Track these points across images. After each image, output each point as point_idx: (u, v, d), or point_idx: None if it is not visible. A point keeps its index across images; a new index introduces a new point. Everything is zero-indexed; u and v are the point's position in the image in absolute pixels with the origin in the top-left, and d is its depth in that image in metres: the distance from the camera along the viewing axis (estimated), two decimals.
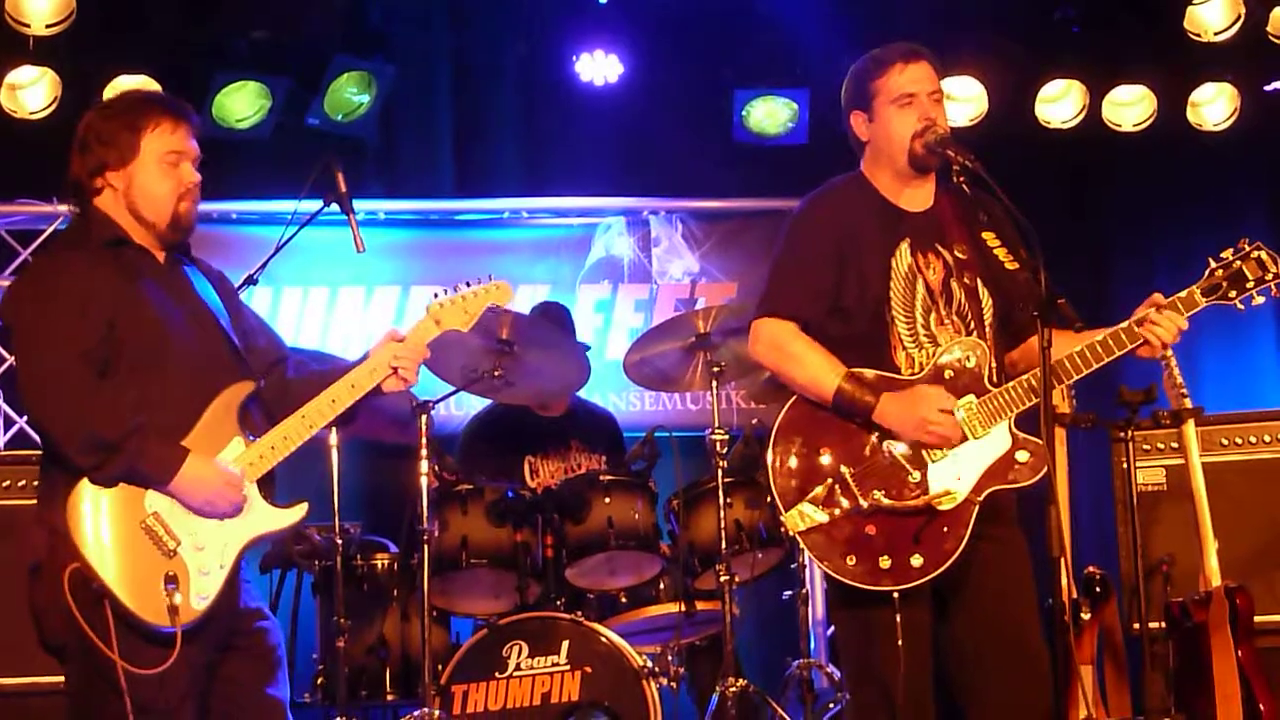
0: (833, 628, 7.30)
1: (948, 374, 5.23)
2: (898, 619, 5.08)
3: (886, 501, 5.13)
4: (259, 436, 4.96)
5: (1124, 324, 5.23)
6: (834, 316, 5.32)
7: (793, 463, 5.22)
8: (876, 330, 5.28)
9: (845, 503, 5.15)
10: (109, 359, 4.77)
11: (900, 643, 5.07)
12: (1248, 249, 5.26)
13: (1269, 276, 5.25)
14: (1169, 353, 6.65)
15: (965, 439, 5.17)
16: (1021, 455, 5.18)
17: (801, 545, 5.25)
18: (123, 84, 8.54)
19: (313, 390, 5.02)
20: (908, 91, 5.34)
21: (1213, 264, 5.28)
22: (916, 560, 5.11)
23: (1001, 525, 5.26)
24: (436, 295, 5.23)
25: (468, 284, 5.27)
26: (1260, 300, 5.27)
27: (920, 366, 5.26)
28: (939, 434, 5.15)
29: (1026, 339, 5.45)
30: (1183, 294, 5.25)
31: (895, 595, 5.09)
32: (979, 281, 5.38)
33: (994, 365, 5.28)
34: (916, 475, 5.16)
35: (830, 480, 5.17)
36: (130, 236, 4.95)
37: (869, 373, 5.22)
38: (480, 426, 8.35)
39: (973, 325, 5.33)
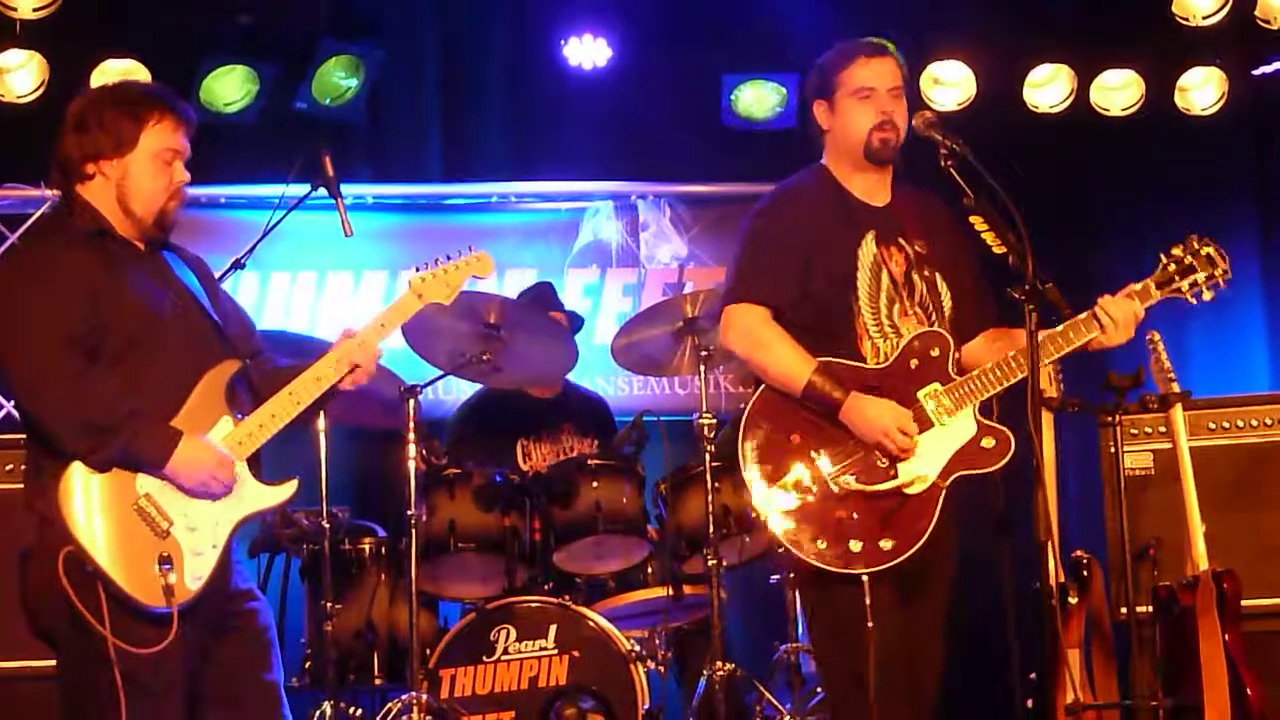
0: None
1: (912, 363, 5.36)
2: (867, 602, 5.14)
3: (857, 485, 5.23)
4: (246, 415, 4.96)
5: (1081, 315, 5.37)
6: (801, 305, 5.41)
7: (763, 449, 5.32)
8: (843, 320, 5.39)
9: (815, 487, 5.22)
10: (96, 344, 4.77)
11: (870, 624, 5.13)
12: (1198, 245, 5.53)
13: (1218, 273, 5.53)
14: (1156, 336, 6.69)
15: (931, 425, 5.27)
16: (987, 442, 5.31)
17: (773, 530, 5.29)
18: (110, 68, 8.54)
19: (285, 380, 5.03)
20: (868, 85, 5.49)
21: (1164, 259, 5.54)
22: (886, 544, 5.20)
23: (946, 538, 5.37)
24: (418, 269, 5.26)
25: (449, 256, 5.30)
26: (1209, 296, 5.53)
27: (885, 356, 5.39)
28: (896, 448, 5.22)
29: (972, 338, 5.58)
30: (1138, 286, 5.47)
31: (864, 578, 5.15)
32: (938, 275, 5.51)
33: (959, 357, 5.37)
34: (885, 460, 5.25)
35: (800, 465, 5.22)
36: (113, 227, 4.95)
37: (838, 363, 5.32)
38: (474, 409, 8.36)
39: (934, 316, 5.48)
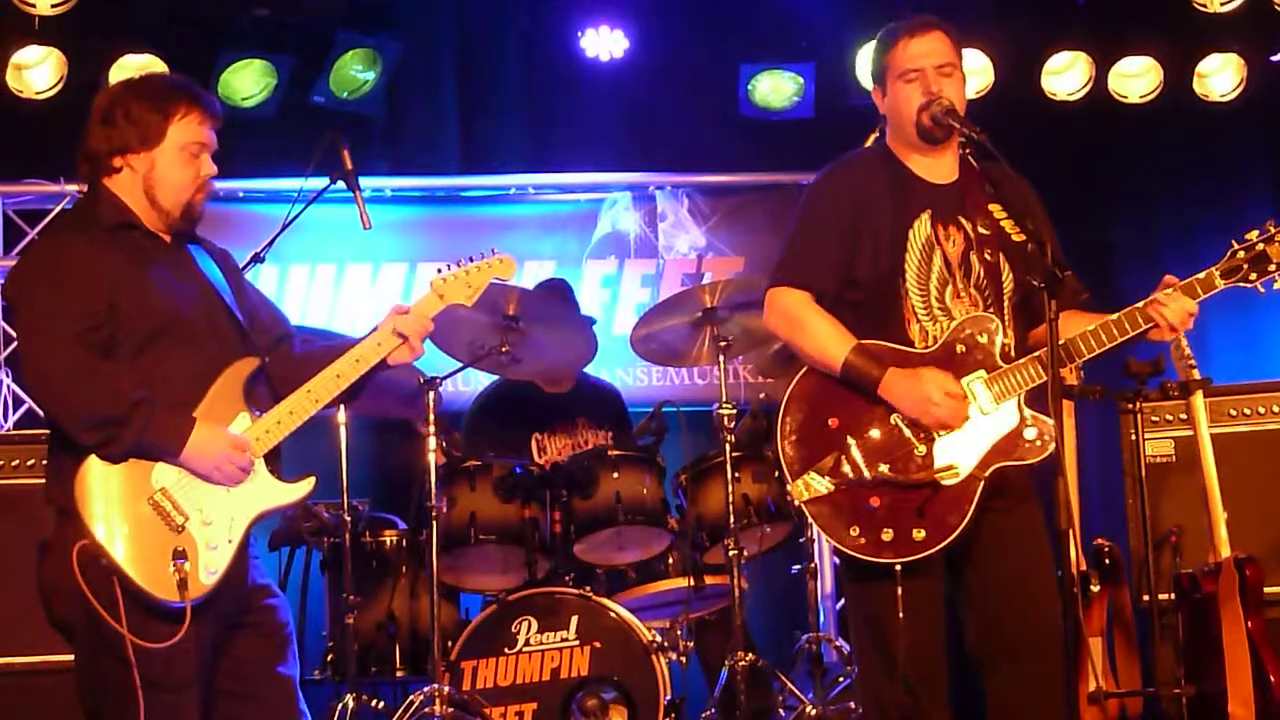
0: (843, 600, 7.31)
1: (959, 349, 5.22)
2: (899, 591, 5.10)
3: (891, 474, 5.14)
4: (264, 412, 4.96)
5: (1137, 305, 5.21)
6: (849, 287, 5.33)
7: (800, 432, 5.24)
8: (890, 303, 5.27)
9: (850, 474, 5.16)
10: (113, 339, 4.76)
11: (902, 615, 5.09)
12: (1273, 231, 5.22)
13: None
14: None
15: (970, 417, 5.18)
16: (1029, 433, 5.17)
17: (807, 515, 5.25)
18: (129, 63, 8.54)
19: (318, 365, 5.01)
20: (914, 67, 5.34)
21: (1235, 245, 5.23)
22: (919, 534, 5.11)
23: (1012, 499, 5.25)
24: (440, 270, 5.23)
25: (471, 258, 5.26)
26: None
27: (934, 340, 5.24)
28: (940, 415, 5.14)
29: (1040, 323, 5.43)
30: (1200, 275, 5.23)
31: (897, 568, 5.11)
32: (1001, 257, 5.36)
33: (1009, 342, 5.26)
34: (922, 449, 5.16)
35: (836, 451, 5.19)
36: (139, 220, 4.95)
37: (880, 345, 5.22)
38: (487, 403, 8.36)
39: (991, 300, 5.31)
